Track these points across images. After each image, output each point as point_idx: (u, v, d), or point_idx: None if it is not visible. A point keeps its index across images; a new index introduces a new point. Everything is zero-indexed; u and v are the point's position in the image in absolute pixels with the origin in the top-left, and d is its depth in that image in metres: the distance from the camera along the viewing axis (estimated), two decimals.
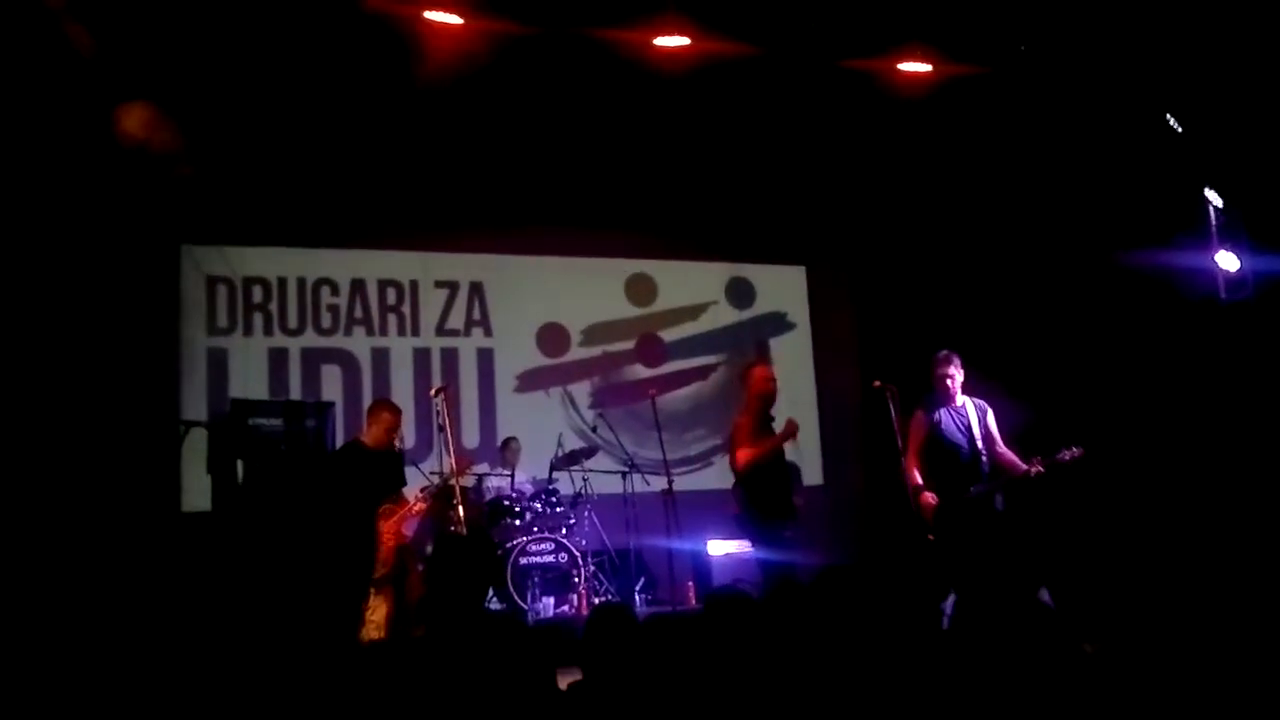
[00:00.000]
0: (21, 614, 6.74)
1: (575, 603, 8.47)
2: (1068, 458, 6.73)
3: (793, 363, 11.06)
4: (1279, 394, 7.59)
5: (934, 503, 6.99)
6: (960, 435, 7.05)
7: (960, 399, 7.14)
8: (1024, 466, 6.85)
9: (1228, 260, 7.95)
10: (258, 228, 9.65)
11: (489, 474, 9.57)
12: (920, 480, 7.09)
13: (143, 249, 8.78)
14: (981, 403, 7.19)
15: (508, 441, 9.60)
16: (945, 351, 7.20)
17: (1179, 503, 7.84)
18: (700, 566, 9.17)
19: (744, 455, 7.34)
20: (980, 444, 7.03)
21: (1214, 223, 8.00)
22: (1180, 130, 7.81)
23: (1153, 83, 7.88)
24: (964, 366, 7.19)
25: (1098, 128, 8.24)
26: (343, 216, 9.87)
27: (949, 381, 7.09)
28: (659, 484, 9.04)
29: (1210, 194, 7.99)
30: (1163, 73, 7.80)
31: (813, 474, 11.05)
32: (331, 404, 9.26)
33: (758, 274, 11.50)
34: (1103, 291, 8.71)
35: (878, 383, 7.48)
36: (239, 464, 8.61)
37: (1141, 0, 7.43)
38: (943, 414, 7.12)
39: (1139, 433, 8.22)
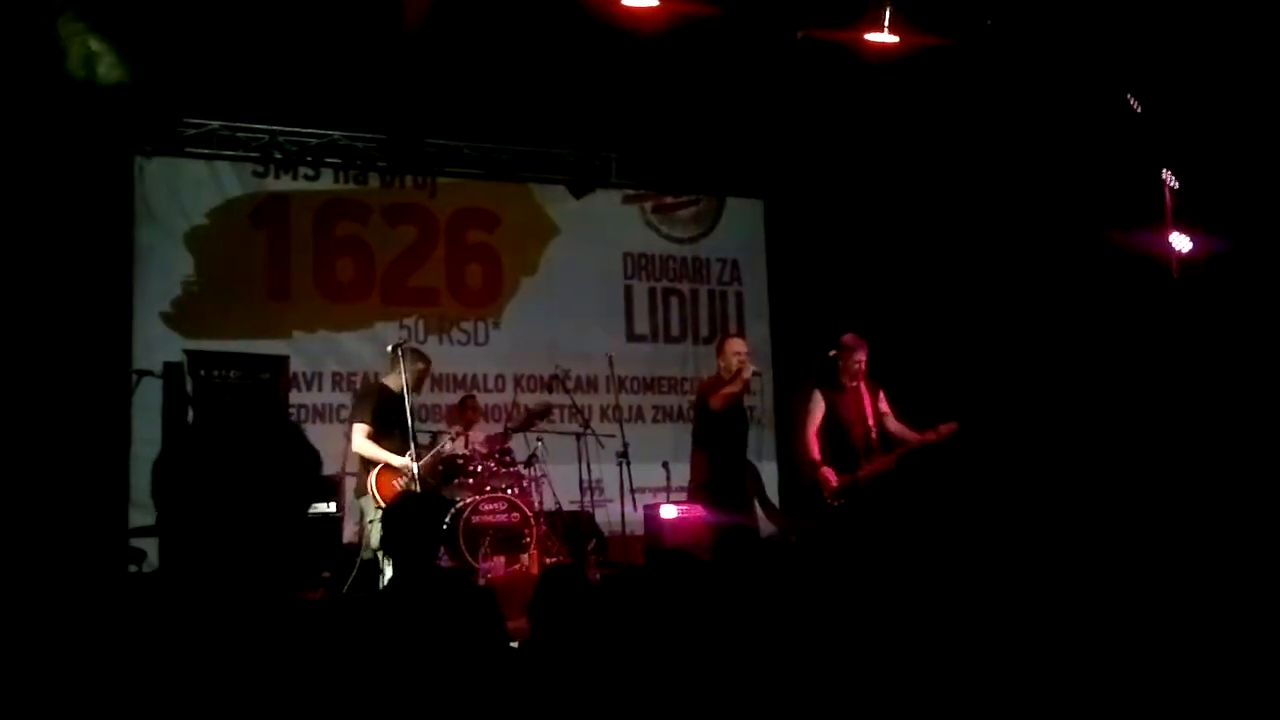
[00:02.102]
0: None
1: (526, 563, 8.49)
2: (945, 432, 7.16)
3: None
4: (1229, 372, 7.73)
5: (834, 480, 7.18)
6: (853, 417, 7.29)
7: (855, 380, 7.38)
8: (915, 437, 7.12)
9: (1181, 240, 8.08)
10: None
11: (444, 432, 9.54)
12: (819, 457, 7.29)
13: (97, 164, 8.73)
14: (874, 384, 7.42)
15: (466, 399, 9.60)
16: (855, 336, 7.43)
17: (1131, 476, 7.98)
18: (652, 529, 9.21)
19: (718, 399, 7.51)
20: (871, 422, 7.28)
21: (1169, 203, 8.12)
22: (1139, 110, 7.89)
23: (1113, 64, 7.95)
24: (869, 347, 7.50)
25: (1058, 105, 8.31)
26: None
27: (859, 366, 7.33)
28: (613, 446, 9.09)
29: (1167, 175, 8.10)
30: (1124, 54, 7.87)
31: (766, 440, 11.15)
32: (286, 357, 9.18)
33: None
34: (1061, 266, 8.81)
35: (834, 351, 7.60)
36: (190, 414, 8.55)
37: None
38: (841, 395, 7.33)
39: (1090, 407, 8.35)
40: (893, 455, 7.31)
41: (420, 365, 7.55)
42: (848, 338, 7.47)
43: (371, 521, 7.30)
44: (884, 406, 7.47)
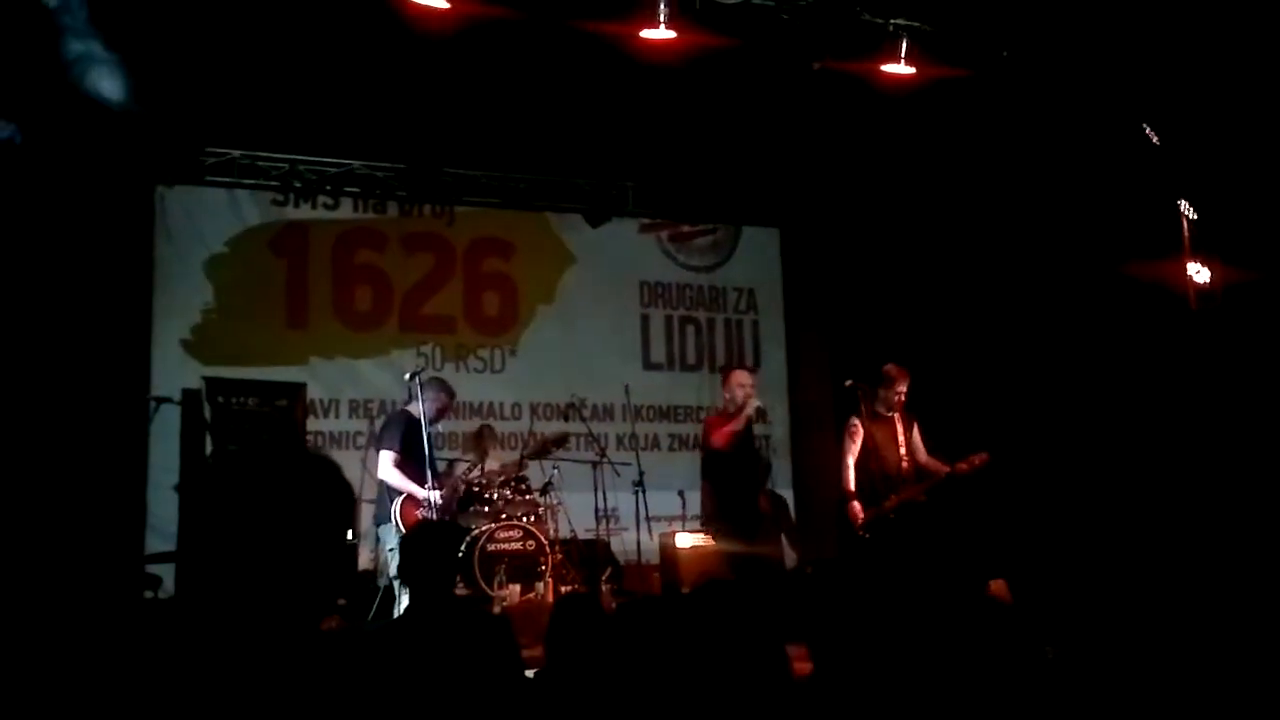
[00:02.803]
0: None
1: (541, 591, 8.48)
2: (978, 462, 7.18)
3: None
4: (1245, 402, 7.70)
5: (861, 513, 7.18)
6: (890, 446, 7.28)
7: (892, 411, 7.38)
8: (945, 469, 7.14)
9: (1199, 271, 8.07)
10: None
11: (461, 459, 9.56)
12: (853, 488, 7.28)
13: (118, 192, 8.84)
14: (910, 414, 7.42)
15: (483, 429, 9.60)
16: (899, 367, 7.40)
17: (1145, 507, 7.95)
18: (667, 557, 9.19)
19: (719, 437, 7.61)
20: (904, 452, 7.27)
21: (1187, 234, 8.11)
22: (1156, 141, 7.89)
23: (1130, 95, 7.96)
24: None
25: (1076, 135, 8.32)
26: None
27: (899, 396, 7.32)
28: (629, 474, 9.08)
29: (1184, 205, 8.09)
30: (1141, 85, 7.89)
31: (782, 469, 11.14)
32: (303, 385, 9.23)
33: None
34: (1078, 297, 8.79)
35: (850, 382, 7.60)
36: (208, 441, 8.59)
37: (1123, 13, 7.51)
38: (876, 423, 7.32)
39: (1106, 437, 8.32)
40: (922, 486, 7.31)
41: (443, 397, 7.55)
42: (890, 368, 7.45)
43: (392, 550, 7.31)
44: (918, 438, 7.46)
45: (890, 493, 7.25)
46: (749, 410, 7.67)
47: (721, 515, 7.74)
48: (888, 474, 7.30)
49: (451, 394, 7.73)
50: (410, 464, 7.29)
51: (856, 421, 7.43)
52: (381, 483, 7.39)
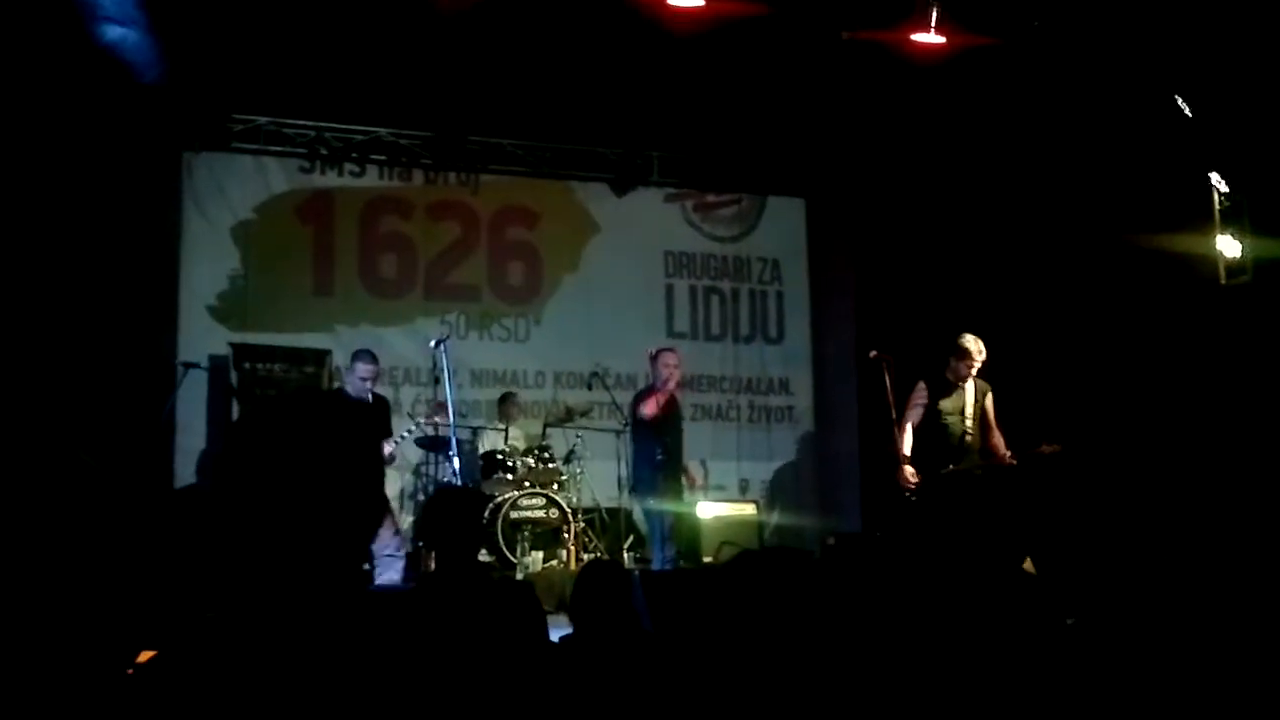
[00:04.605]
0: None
1: (564, 558, 8.54)
2: (1046, 451, 7.13)
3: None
4: (1273, 379, 7.64)
5: (913, 478, 7.18)
6: (956, 415, 7.25)
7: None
8: (1006, 453, 7.11)
9: (1229, 245, 7.99)
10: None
11: (484, 428, 9.60)
12: (908, 451, 7.27)
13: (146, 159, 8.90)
14: (984, 384, 7.35)
15: (507, 396, 9.63)
16: (975, 338, 7.33)
17: (1173, 485, 7.90)
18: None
19: (647, 406, 8.18)
20: (971, 424, 7.23)
21: (1218, 207, 8.04)
22: (1188, 113, 7.81)
23: (1163, 66, 7.87)
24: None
25: (1106, 106, 8.24)
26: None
27: (970, 369, 7.28)
28: None
29: (1215, 178, 8.01)
30: (1173, 56, 7.80)
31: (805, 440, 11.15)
32: (329, 351, 9.27)
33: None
34: (1104, 270, 8.73)
35: (874, 353, 7.59)
36: (234, 407, 8.65)
37: None
38: (945, 393, 7.30)
39: (1134, 414, 8.27)
40: (981, 464, 7.30)
41: (362, 367, 7.72)
42: (964, 338, 7.39)
43: None
44: (989, 412, 7.44)
45: (950, 456, 7.25)
46: (670, 385, 8.22)
47: (650, 482, 8.13)
48: (948, 440, 7.29)
49: (375, 360, 7.90)
50: None
51: (923, 386, 7.42)
52: None
